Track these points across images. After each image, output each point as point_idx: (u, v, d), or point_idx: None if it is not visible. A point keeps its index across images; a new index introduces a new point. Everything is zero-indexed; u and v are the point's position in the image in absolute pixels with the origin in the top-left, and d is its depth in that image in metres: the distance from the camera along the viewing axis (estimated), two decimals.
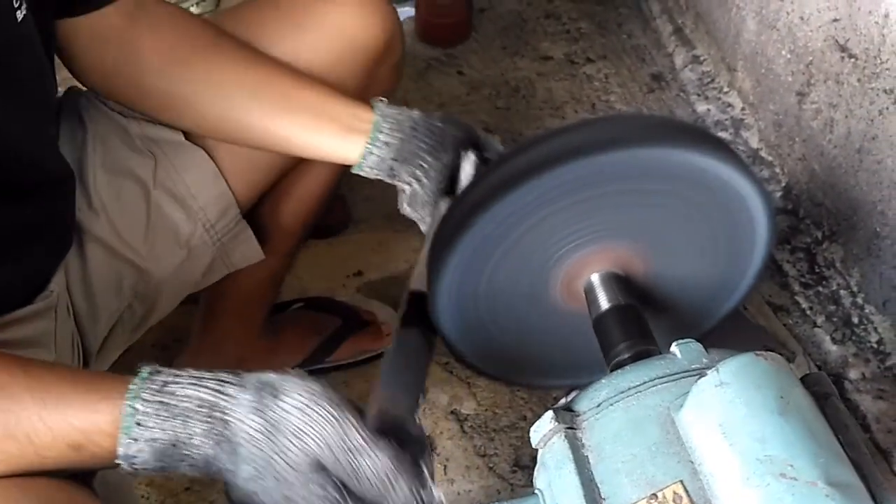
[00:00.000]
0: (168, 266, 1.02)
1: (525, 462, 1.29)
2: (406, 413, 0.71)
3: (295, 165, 1.10)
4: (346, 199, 1.61)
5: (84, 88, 1.00)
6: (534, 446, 0.70)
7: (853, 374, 1.36)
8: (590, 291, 0.85)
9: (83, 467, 0.66)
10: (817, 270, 1.48)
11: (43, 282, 0.89)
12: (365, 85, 1.04)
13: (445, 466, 1.28)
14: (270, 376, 0.65)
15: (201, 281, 1.08)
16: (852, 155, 1.38)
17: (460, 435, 1.32)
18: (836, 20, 1.38)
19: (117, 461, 0.63)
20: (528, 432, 1.29)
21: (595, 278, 0.85)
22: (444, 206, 0.91)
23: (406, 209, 0.94)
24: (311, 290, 1.50)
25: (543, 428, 0.68)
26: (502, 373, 0.97)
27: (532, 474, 1.27)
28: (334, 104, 0.94)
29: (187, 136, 1.01)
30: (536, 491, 0.70)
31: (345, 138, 0.92)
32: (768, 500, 0.54)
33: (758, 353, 0.61)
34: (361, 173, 0.93)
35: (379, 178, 0.93)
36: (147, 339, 1.14)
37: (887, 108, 1.27)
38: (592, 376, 0.95)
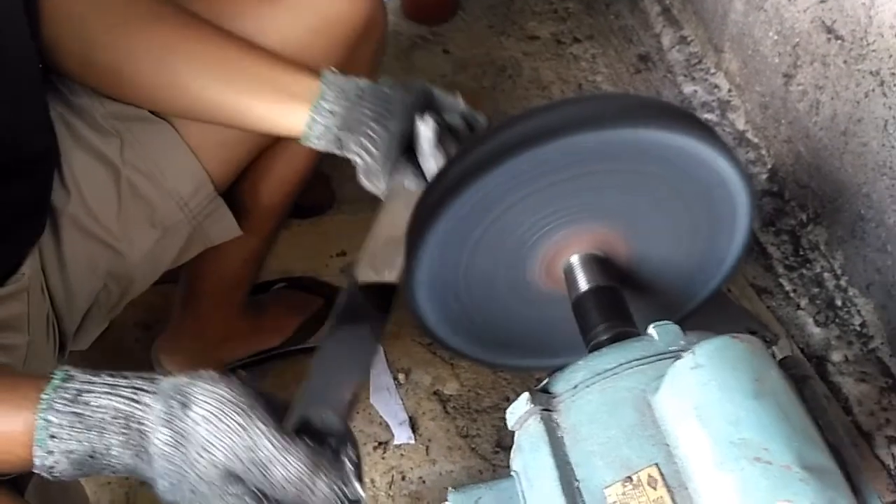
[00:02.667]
0: (143, 246, 1.00)
1: (507, 443, 1.29)
2: (334, 406, 0.69)
3: (272, 144, 1.08)
4: (331, 179, 1.59)
5: None
6: (510, 428, 0.70)
7: (836, 356, 1.36)
8: (569, 273, 0.84)
9: (4, 473, 0.65)
10: (801, 253, 1.48)
11: (15, 265, 0.88)
12: (343, 65, 1.02)
13: (428, 447, 1.28)
14: (182, 380, 0.64)
15: (178, 258, 1.07)
16: (838, 137, 1.38)
17: (443, 415, 1.32)
18: (822, 1, 1.38)
19: (35, 471, 0.62)
20: None
21: (575, 259, 0.84)
22: (401, 175, 0.88)
23: (364, 183, 0.90)
24: (294, 270, 1.49)
25: (519, 410, 0.68)
26: (483, 356, 0.97)
27: None
28: (279, 72, 0.89)
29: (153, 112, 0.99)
30: (513, 472, 0.69)
31: (288, 107, 0.88)
32: (742, 484, 0.53)
33: (734, 335, 0.60)
34: (310, 145, 0.88)
35: (330, 150, 0.89)
36: (128, 318, 1.14)
37: (873, 91, 1.27)
38: (570, 358, 0.95)
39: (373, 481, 1.25)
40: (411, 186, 0.85)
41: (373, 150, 0.85)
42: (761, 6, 1.55)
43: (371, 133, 0.85)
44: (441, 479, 1.26)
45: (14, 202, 0.85)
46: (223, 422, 0.61)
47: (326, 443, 0.64)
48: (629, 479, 0.60)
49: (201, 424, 0.61)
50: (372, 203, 1.55)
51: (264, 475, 0.62)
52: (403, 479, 1.26)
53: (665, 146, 0.75)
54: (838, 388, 1.33)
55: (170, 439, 0.61)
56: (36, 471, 0.62)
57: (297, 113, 0.87)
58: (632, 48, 1.90)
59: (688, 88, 1.77)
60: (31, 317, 0.89)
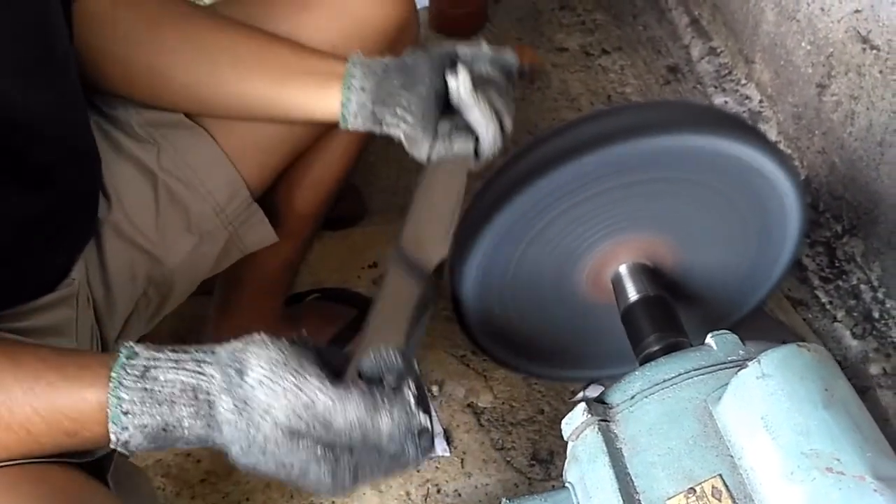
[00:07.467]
0: (180, 252, 1.01)
1: (543, 456, 1.28)
2: (394, 341, 0.71)
3: (306, 148, 1.09)
4: (361, 191, 1.59)
5: None
6: (565, 439, 0.69)
7: (874, 369, 1.34)
8: (617, 282, 0.84)
9: (82, 450, 0.67)
10: (837, 265, 1.46)
11: (65, 269, 0.89)
12: None
13: (463, 460, 1.27)
14: (237, 345, 0.66)
15: (215, 266, 1.07)
16: (874, 148, 1.37)
17: (477, 428, 1.31)
18: (857, 11, 1.37)
19: (112, 446, 0.64)
20: (546, 426, 1.30)
21: (623, 269, 0.84)
22: (447, 138, 0.88)
23: (414, 154, 0.91)
24: (325, 281, 1.48)
25: (575, 420, 0.67)
26: (520, 362, 0.96)
27: (549, 468, 1.27)
28: (312, 60, 0.92)
29: (189, 116, 1.00)
30: (567, 484, 0.68)
31: (322, 90, 0.90)
32: (814, 495, 0.52)
33: (800, 344, 0.60)
34: (349, 126, 0.90)
35: (370, 129, 0.90)
36: (162, 329, 1.13)
37: None
38: (616, 369, 0.95)
39: (408, 494, 1.24)
40: (461, 147, 0.85)
41: (408, 117, 0.87)
42: (794, 17, 1.54)
43: (403, 101, 0.87)
44: (476, 492, 1.25)
45: (62, 207, 0.85)
46: (278, 384, 0.63)
47: (384, 381, 0.65)
48: (692, 490, 0.59)
49: (258, 388, 0.63)
50: (401, 215, 1.56)
51: (327, 428, 0.63)
52: (439, 492, 1.25)
53: (717, 153, 0.75)
54: (876, 401, 1.31)
55: (233, 406, 0.63)
56: (112, 446, 0.63)
57: (330, 94, 0.89)
58: (660, 59, 1.89)
59: (718, 100, 1.76)
60: (78, 323, 0.89)
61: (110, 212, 0.96)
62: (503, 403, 1.34)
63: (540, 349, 0.94)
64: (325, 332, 1.36)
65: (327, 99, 0.90)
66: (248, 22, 0.97)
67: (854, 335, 1.38)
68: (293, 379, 0.63)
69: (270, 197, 1.10)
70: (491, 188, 0.79)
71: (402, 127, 0.88)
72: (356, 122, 0.89)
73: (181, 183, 0.99)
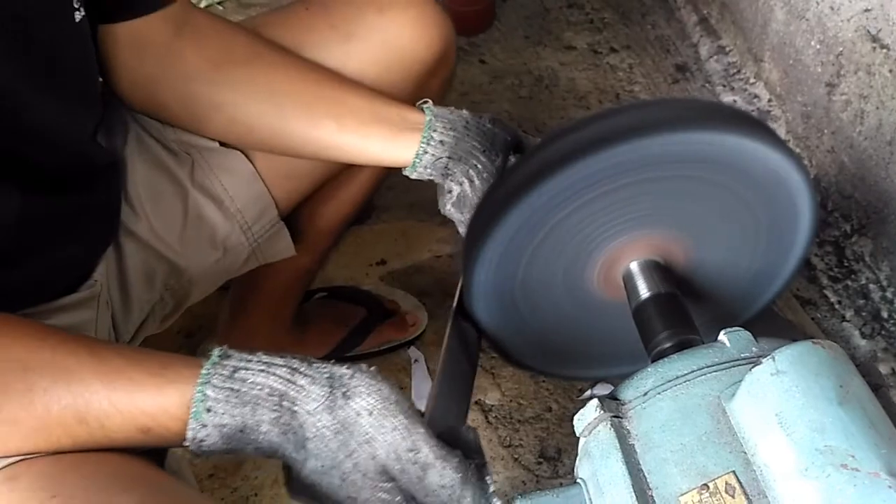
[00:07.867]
0: (202, 264, 1.01)
1: (550, 453, 1.28)
2: (459, 422, 0.70)
3: (337, 173, 1.09)
4: None
5: None
6: (577, 435, 0.69)
7: (883, 368, 1.34)
8: (629, 279, 0.84)
9: (149, 447, 0.66)
10: (846, 264, 1.46)
11: (87, 270, 0.89)
12: (414, 97, 1.01)
13: None
14: (343, 371, 0.65)
15: (234, 273, 1.08)
16: (883, 147, 1.37)
17: (485, 425, 1.31)
18: (867, 10, 1.37)
19: (185, 444, 0.63)
20: (554, 423, 1.30)
21: (634, 266, 0.83)
22: None
23: (449, 209, 0.92)
24: (334, 278, 1.49)
25: (588, 416, 0.67)
26: (536, 363, 0.96)
27: (557, 466, 1.27)
28: (383, 107, 0.92)
29: (222, 143, 0.99)
30: (579, 480, 0.68)
31: (397, 140, 0.91)
32: (828, 492, 0.52)
33: (815, 341, 0.60)
34: (413, 175, 0.91)
35: (431, 178, 0.91)
36: (172, 325, 1.13)
37: None
38: (626, 367, 0.95)
39: None
40: None
41: (476, 181, 0.90)
42: (803, 15, 1.54)
43: (478, 164, 0.90)
44: None
45: (85, 209, 0.85)
46: (388, 419, 0.62)
47: (471, 459, 0.65)
48: (706, 486, 0.59)
49: (363, 416, 0.62)
50: (409, 213, 1.56)
51: (419, 479, 0.62)
52: None
53: (729, 150, 0.74)
54: (886, 400, 1.31)
55: (330, 425, 0.62)
56: (186, 444, 0.63)
57: (404, 144, 0.90)
58: (669, 58, 1.89)
59: (727, 98, 1.76)
60: (98, 324, 0.89)
61: (134, 218, 0.96)
62: (511, 401, 1.34)
63: (550, 347, 0.94)
64: (336, 334, 1.37)
65: (400, 149, 0.91)
66: (295, 49, 0.97)
67: (863, 335, 1.38)
68: (404, 419, 0.62)
69: (293, 211, 1.10)
70: (503, 186, 0.79)
71: (465, 186, 0.90)
72: (423, 171, 0.91)
73: (212, 201, 0.99)
